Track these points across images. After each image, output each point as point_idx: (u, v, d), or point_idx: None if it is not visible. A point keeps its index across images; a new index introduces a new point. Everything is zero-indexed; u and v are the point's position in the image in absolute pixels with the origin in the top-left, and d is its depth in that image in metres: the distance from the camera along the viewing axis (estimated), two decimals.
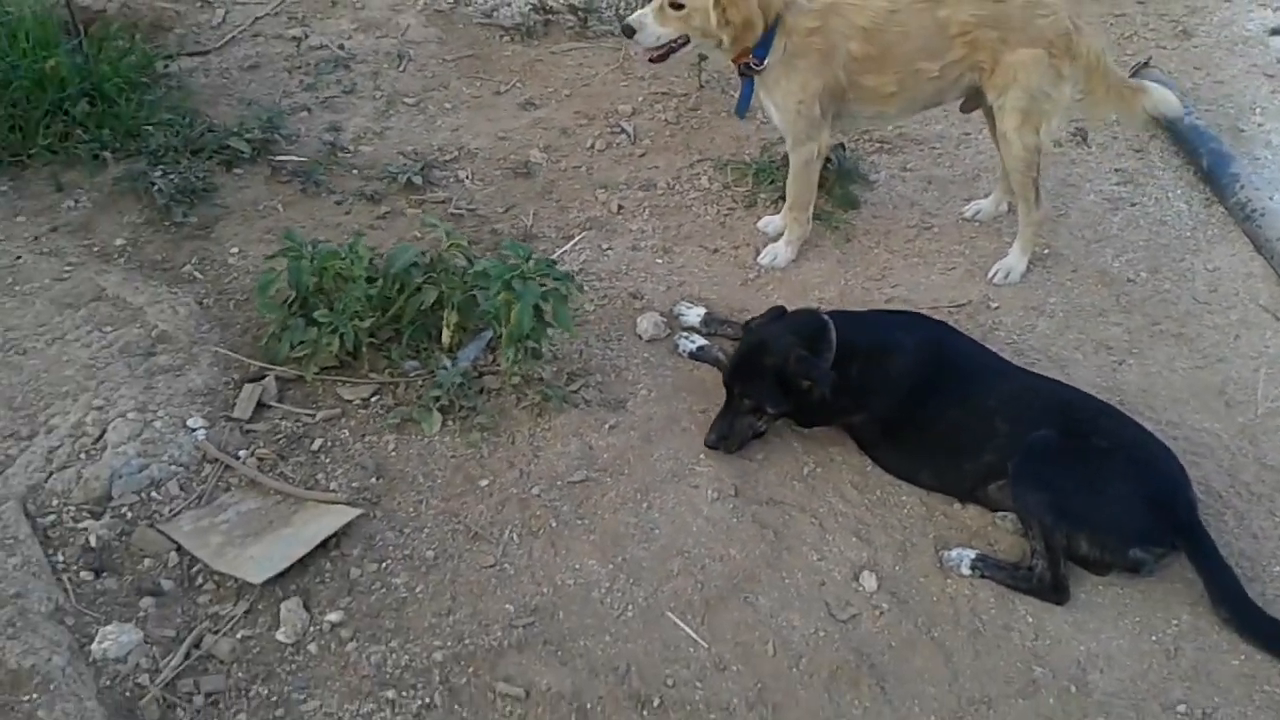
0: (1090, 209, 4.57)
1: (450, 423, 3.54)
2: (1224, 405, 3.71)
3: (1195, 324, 4.03)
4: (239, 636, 2.91)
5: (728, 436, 3.41)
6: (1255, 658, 2.98)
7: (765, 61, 3.93)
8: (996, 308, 4.08)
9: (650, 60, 4.00)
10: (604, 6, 5.96)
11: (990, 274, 4.23)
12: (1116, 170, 4.80)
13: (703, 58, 4.76)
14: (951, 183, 4.71)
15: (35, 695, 2.65)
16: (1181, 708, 2.87)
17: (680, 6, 3.82)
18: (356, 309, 3.60)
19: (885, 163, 4.84)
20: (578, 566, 3.16)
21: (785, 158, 4.40)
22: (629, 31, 3.93)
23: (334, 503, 3.24)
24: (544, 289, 3.49)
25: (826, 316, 3.48)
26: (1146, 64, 5.25)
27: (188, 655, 2.86)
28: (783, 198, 4.56)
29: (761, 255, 4.29)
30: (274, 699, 2.79)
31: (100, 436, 3.35)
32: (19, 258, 4.03)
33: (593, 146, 4.98)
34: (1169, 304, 4.11)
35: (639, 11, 3.93)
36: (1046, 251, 4.34)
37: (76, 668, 2.75)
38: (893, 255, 4.30)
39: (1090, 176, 4.76)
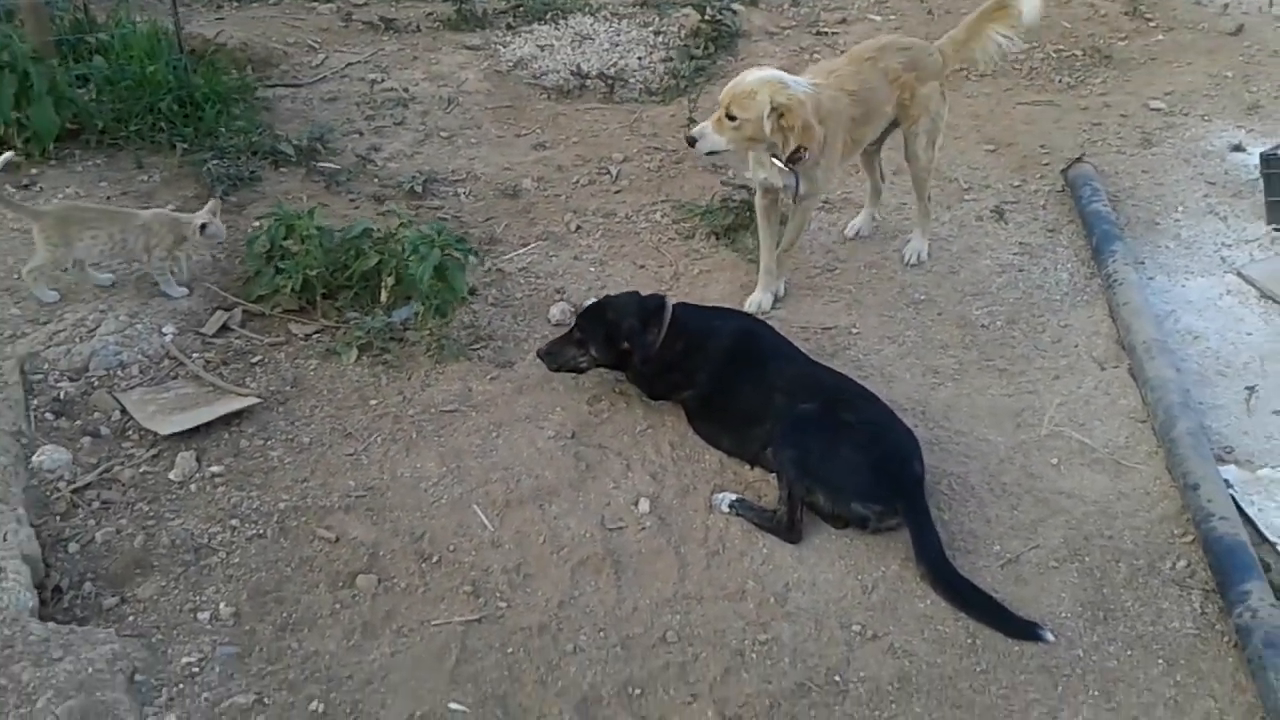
0: (980, 270, 5.13)
1: (365, 358, 4.39)
2: (1014, 425, 4.20)
3: (1023, 364, 4.52)
4: (140, 470, 3.80)
5: (552, 354, 4.18)
6: (939, 605, 3.46)
7: (810, 154, 4.31)
8: (857, 333, 4.69)
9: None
10: (632, 81, 6.90)
11: (905, 258, 5.14)
12: (1021, 243, 5.34)
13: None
14: (870, 239, 5.36)
15: None
16: (856, 627, 3.40)
17: (734, 119, 4.20)
18: (309, 262, 4.52)
19: (820, 219, 5.52)
20: (418, 465, 3.93)
21: (733, 202, 5.34)
22: (691, 142, 4.32)
23: (245, 395, 4.12)
24: (446, 256, 4.33)
25: (669, 302, 4.20)
26: (1079, 159, 5.79)
27: (100, 475, 3.75)
28: (714, 234, 5.35)
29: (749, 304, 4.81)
30: (150, 514, 3.65)
31: (94, 330, 4.34)
32: None
33: (578, 181, 5.86)
34: (1009, 347, 4.62)
35: (701, 124, 4.33)
36: (923, 298, 4.92)
37: (16, 469, 3.66)
38: (790, 286, 4.96)
39: (994, 246, 5.33)
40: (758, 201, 4.78)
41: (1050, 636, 3.35)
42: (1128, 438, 4.14)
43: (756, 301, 4.78)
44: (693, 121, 5.81)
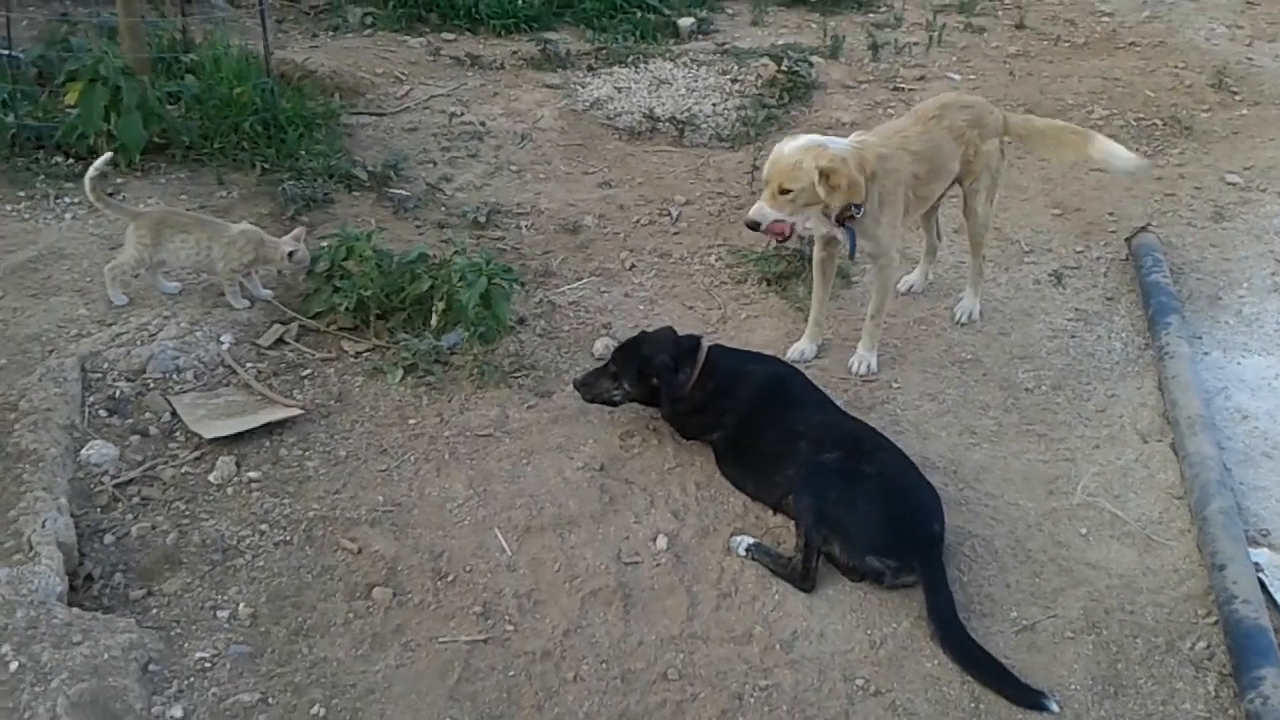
0: (1032, 334, 5.09)
1: (409, 379, 4.51)
2: (1046, 492, 4.15)
3: (1064, 431, 4.48)
4: (182, 471, 3.95)
5: (587, 385, 4.26)
6: (946, 666, 3.43)
7: (863, 210, 4.36)
8: (897, 388, 4.69)
9: (780, 241, 4.59)
10: (704, 126, 7.01)
11: (955, 316, 5.16)
12: (1076, 309, 5.29)
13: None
14: (922, 296, 5.37)
15: (29, 467, 3.73)
16: (860, 681, 3.39)
17: (788, 191, 4.22)
18: (365, 282, 4.67)
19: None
20: (447, 486, 4.02)
21: (787, 250, 5.35)
22: (754, 226, 4.30)
23: (290, 405, 4.26)
24: (492, 284, 4.45)
25: (704, 342, 4.26)
26: (1144, 228, 5.73)
27: (144, 472, 3.91)
28: (766, 280, 5.40)
29: (852, 364, 4.83)
30: (186, 512, 3.79)
31: (156, 334, 4.53)
32: None
33: (639, 221, 5.95)
34: (1050, 413, 4.58)
35: (756, 205, 4.30)
36: (969, 358, 4.90)
37: (64, 461, 3.84)
38: (833, 336, 4.99)
39: (1050, 310, 5.29)
40: (815, 254, 4.80)
41: (1055, 707, 3.31)
42: (1162, 513, 4.07)
43: (800, 350, 4.81)
44: (756, 169, 5.90)
